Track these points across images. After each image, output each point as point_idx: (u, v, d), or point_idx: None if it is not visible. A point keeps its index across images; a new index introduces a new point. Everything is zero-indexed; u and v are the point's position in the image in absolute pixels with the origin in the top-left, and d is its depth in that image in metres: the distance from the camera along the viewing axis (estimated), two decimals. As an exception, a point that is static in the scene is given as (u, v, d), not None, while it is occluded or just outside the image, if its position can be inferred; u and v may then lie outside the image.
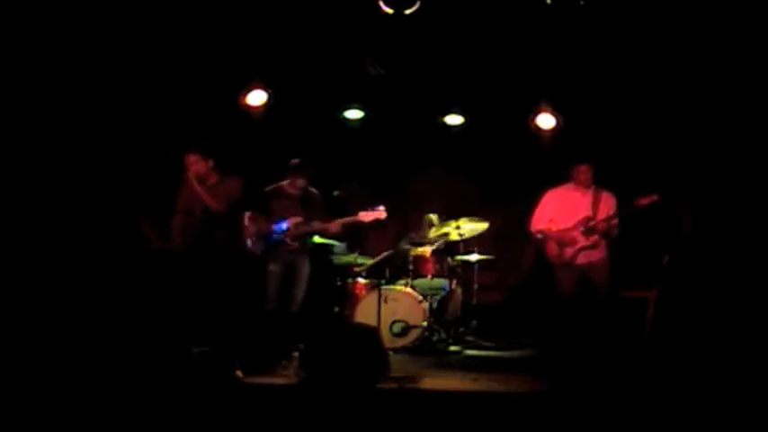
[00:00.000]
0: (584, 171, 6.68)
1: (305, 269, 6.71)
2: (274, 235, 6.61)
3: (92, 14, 6.34)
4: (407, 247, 7.44)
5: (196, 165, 6.35)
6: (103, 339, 5.84)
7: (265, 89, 7.02)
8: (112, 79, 6.83)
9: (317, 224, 6.67)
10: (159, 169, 6.83)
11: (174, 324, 5.93)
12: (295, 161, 6.68)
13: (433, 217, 7.43)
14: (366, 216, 6.63)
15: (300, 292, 6.67)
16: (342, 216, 6.73)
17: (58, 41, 6.45)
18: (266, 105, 7.07)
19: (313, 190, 6.78)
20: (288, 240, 6.61)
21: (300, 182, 6.65)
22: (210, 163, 6.43)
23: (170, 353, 5.59)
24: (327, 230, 6.72)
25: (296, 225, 6.63)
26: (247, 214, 6.67)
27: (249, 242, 6.63)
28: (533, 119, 7.19)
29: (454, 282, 7.45)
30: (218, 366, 5.22)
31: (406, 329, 6.95)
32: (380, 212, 6.63)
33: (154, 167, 6.91)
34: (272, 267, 6.60)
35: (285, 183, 6.73)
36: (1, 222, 6.40)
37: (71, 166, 6.80)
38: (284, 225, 6.61)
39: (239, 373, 5.15)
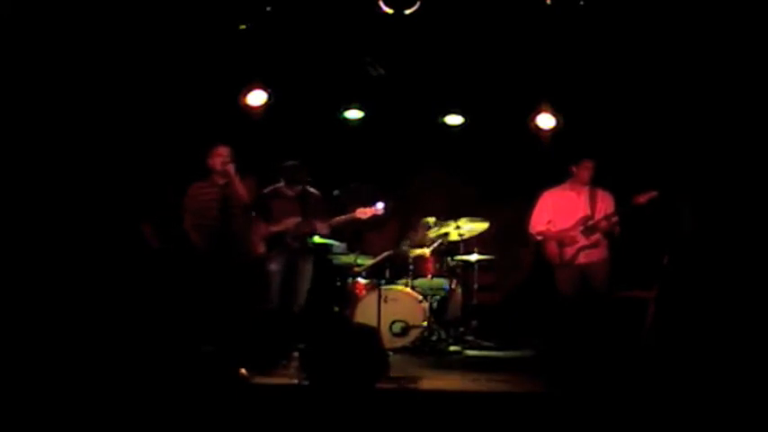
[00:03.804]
0: (588, 167, 6.67)
1: (307, 268, 6.72)
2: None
3: (91, 14, 6.34)
4: (406, 249, 7.44)
5: (225, 157, 6.33)
6: (108, 339, 5.84)
7: (265, 89, 7.03)
8: (112, 79, 6.82)
9: (318, 224, 6.66)
10: (159, 169, 6.83)
11: (179, 323, 5.94)
12: (290, 163, 6.68)
13: (431, 220, 7.42)
14: (363, 213, 6.65)
15: (303, 291, 6.68)
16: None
17: (58, 42, 6.45)
18: (266, 105, 7.07)
19: (312, 190, 6.78)
20: (288, 240, 6.62)
21: (298, 183, 6.65)
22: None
23: (174, 352, 5.60)
24: (326, 230, 6.71)
25: (295, 225, 6.63)
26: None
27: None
28: (533, 119, 7.19)
29: (454, 282, 7.45)
30: (222, 366, 5.22)
31: (406, 329, 6.95)
32: (377, 209, 6.64)
33: (154, 168, 6.91)
34: (273, 267, 6.61)
35: (282, 184, 6.73)
36: (4, 223, 6.41)
37: (71, 168, 6.79)
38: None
39: (245, 372, 5.15)
